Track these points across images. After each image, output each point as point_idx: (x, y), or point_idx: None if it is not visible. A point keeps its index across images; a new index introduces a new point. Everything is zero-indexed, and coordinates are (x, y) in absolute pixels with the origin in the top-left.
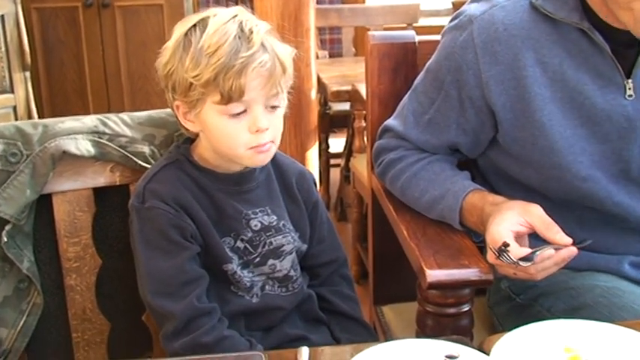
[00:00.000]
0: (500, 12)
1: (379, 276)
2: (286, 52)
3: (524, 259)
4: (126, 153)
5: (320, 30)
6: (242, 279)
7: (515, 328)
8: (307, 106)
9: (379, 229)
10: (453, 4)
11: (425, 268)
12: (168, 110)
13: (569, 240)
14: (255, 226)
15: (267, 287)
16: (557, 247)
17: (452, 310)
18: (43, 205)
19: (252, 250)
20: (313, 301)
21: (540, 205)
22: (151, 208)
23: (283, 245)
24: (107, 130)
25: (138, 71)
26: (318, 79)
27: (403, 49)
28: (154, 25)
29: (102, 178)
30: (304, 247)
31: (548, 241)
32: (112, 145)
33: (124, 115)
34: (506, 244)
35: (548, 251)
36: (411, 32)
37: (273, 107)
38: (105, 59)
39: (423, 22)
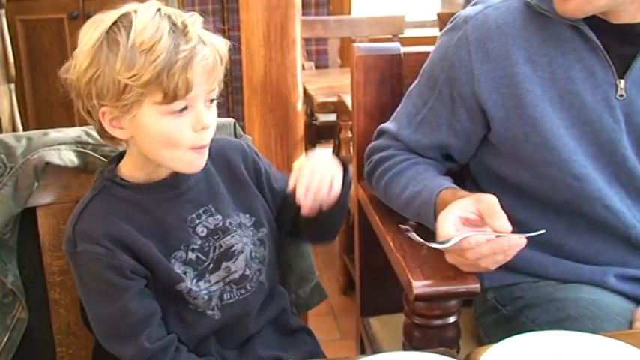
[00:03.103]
0: (493, 12)
1: (366, 287)
2: (222, 44)
3: (442, 242)
4: None
5: (306, 41)
6: (198, 294)
7: (500, 339)
8: (294, 118)
9: (366, 240)
10: (439, 15)
11: (411, 280)
12: None
13: (508, 227)
14: (202, 232)
15: (225, 296)
16: (493, 236)
17: (438, 322)
18: (28, 218)
19: (203, 258)
20: (287, 312)
21: (530, 209)
22: (82, 252)
23: (233, 245)
24: (91, 141)
25: None
26: (304, 91)
27: (389, 60)
28: None
29: (86, 190)
30: (265, 229)
31: (490, 228)
32: (96, 155)
33: None
34: (411, 225)
35: (478, 237)
36: (397, 44)
37: (211, 101)
38: None
39: (408, 33)
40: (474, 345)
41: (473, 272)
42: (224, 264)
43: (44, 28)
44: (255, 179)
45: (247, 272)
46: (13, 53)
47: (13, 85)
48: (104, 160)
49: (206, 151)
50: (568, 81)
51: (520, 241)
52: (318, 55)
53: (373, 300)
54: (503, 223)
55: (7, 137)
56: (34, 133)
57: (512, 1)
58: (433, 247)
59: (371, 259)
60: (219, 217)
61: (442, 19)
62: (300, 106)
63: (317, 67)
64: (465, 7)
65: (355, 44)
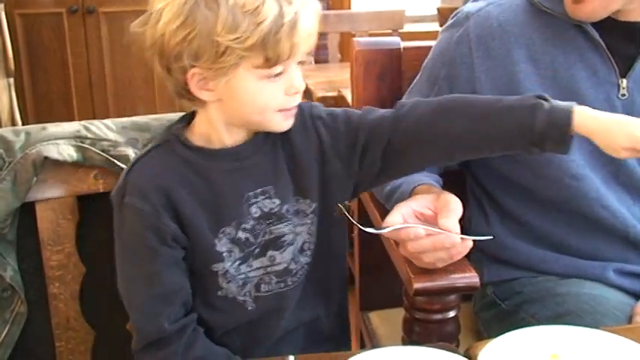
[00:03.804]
0: (496, 9)
1: (365, 282)
2: (317, 4)
3: (379, 228)
4: (108, 157)
5: None
6: (234, 278)
7: (499, 334)
8: None
9: (365, 235)
10: (439, 10)
11: (411, 275)
12: (153, 115)
13: (453, 226)
14: (255, 212)
15: (262, 287)
16: (433, 232)
17: (438, 317)
18: (27, 213)
19: (252, 240)
20: (320, 320)
21: (531, 206)
22: (128, 205)
23: (285, 235)
24: (89, 135)
25: (123, 77)
26: None
27: (388, 55)
28: None
29: (85, 185)
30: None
31: (439, 225)
32: (95, 149)
33: (108, 121)
34: (347, 205)
35: (417, 229)
36: (396, 38)
37: (300, 63)
38: (90, 65)
39: (408, 27)
40: (473, 340)
41: (428, 268)
42: (270, 252)
43: (43, 23)
44: (322, 149)
45: (292, 266)
46: (12, 48)
47: (12, 80)
48: (103, 154)
49: (294, 112)
50: (570, 80)
51: (464, 242)
52: (317, 50)
53: (373, 295)
54: (448, 221)
55: (6, 132)
56: (32, 128)
57: None
58: (367, 232)
59: (370, 254)
60: (277, 202)
61: (442, 14)
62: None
63: (316, 61)
64: (465, 2)
65: (355, 39)
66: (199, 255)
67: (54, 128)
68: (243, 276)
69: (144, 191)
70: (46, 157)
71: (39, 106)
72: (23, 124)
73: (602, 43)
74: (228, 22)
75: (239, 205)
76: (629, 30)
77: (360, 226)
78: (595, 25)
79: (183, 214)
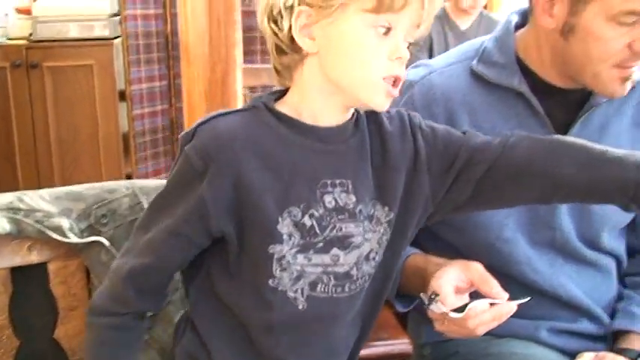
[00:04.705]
0: (438, 77)
1: None
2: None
3: (457, 310)
4: (42, 228)
5: (251, 89)
6: (290, 266)
7: None
8: None
9: None
10: None
11: None
12: (87, 185)
13: (506, 295)
14: (329, 203)
15: (318, 287)
16: (494, 303)
17: None
18: None
19: (318, 232)
20: (358, 347)
21: None
22: (186, 153)
23: (352, 236)
24: (22, 206)
25: (67, 133)
26: None
27: None
28: (84, 85)
29: (19, 256)
30: (405, 228)
31: (485, 295)
32: (28, 220)
33: (42, 191)
34: (435, 294)
35: (482, 305)
36: None
37: (409, 44)
38: (34, 121)
39: None
40: None
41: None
42: (334, 250)
43: None
44: (416, 161)
45: (353, 272)
46: None
47: None
48: (36, 225)
49: (396, 92)
50: None
51: (513, 308)
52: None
53: None
54: (500, 291)
55: None
56: None
57: (457, 67)
58: (454, 318)
59: None
60: (353, 199)
61: None
62: None
63: None
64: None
65: None
66: (258, 232)
67: None
68: (298, 267)
69: (206, 149)
70: None
71: None
72: None
73: (541, 110)
74: None
75: (312, 189)
76: (566, 97)
77: (450, 313)
78: (534, 91)
79: (247, 183)
